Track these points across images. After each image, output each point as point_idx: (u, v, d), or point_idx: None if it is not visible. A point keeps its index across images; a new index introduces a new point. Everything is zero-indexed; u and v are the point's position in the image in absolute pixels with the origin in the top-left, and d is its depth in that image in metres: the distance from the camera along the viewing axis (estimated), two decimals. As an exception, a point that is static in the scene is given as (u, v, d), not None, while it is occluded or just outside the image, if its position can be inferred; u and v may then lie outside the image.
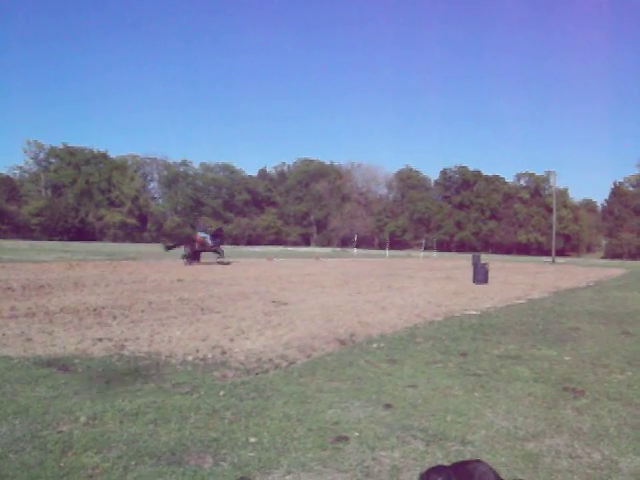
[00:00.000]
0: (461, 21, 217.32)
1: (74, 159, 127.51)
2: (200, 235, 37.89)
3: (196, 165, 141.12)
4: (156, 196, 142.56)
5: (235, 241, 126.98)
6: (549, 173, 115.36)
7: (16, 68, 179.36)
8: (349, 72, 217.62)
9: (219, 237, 39.78)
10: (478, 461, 4.79)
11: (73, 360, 8.51)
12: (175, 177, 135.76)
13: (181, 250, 37.56)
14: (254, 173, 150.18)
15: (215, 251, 38.28)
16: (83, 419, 5.86)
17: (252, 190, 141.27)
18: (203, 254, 38.39)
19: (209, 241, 37.71)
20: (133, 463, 4.85)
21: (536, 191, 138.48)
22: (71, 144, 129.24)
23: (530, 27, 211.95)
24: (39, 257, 37.97)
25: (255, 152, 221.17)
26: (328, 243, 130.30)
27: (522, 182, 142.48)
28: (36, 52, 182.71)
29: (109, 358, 8.75)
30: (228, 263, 37.48)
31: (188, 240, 38.43)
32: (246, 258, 49.23)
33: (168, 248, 40.17)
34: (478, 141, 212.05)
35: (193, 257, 36.47)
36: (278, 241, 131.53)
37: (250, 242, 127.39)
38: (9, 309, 13.33)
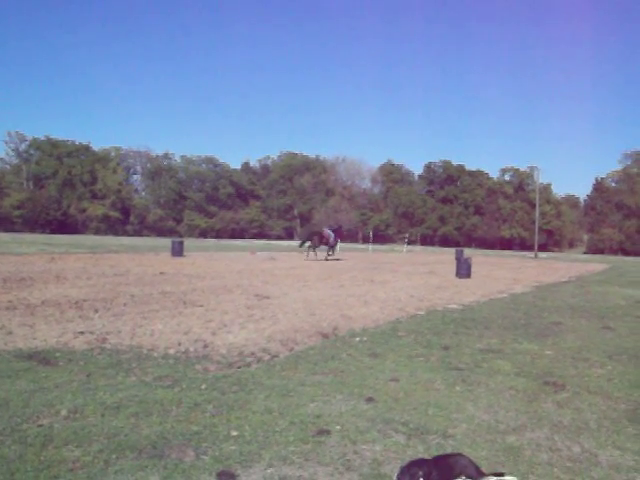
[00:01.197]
0: (445, 15, 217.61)
1: (56, 151, 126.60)
2: (327, 232, 41.38)
3: (179, 158, 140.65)
4: (139, 189, 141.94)
5: (218, 234, 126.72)
6: (533, 168, 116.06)
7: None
8: (333, 66, 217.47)
9: (339, 235, 43.92)
10: (459, 454, 4.81)
11: (54, 353, 8.47)
12: (158, 170, 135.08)
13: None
14: (238, 166, 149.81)
15: (332, 247, 41.62)
16: (64, 412, 5.83)
17: (236, 183, 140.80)
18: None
19: (332, 239, 41.19)
20: (114, 457, 4.83)
21: (520, 186, 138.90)
22: (53, 136, 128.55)
23: (514, 21, 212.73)
24: (20, 250, 37.71)
25: (239, 145, 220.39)
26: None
27: (506, 177, 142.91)
28: (18, 44, 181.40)
29: (90, 351, 8.72)
30: (338, 259, 40.40)
31: (316, 235, 41.13)
32: (229, 252, 49.12)
33: (302, 243, 43.33)
34: (462, 136, 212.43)
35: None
36: (261, 235, 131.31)
37: (233, 235, 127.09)
38: (-10, 302, 13.24)
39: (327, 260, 38.95)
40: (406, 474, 4.31)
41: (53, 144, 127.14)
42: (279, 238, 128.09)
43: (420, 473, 4.31)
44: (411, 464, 4.44)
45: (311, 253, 39.99)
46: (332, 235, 41.14)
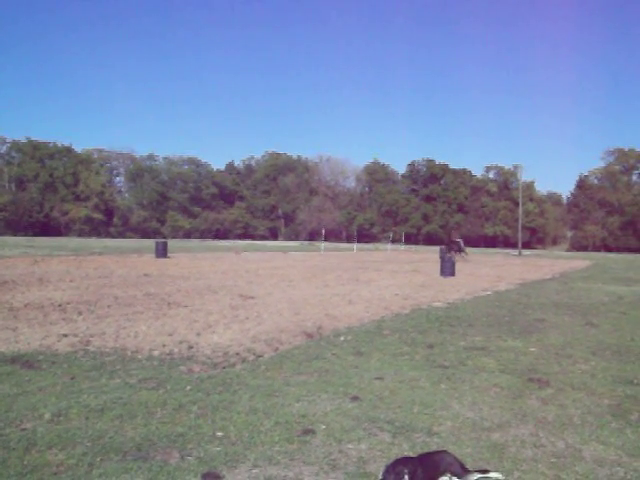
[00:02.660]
0: (428, 15, 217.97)
1: (38, 153, 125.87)
2: (458, 239, 52.69)
3: (162, 159, 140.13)
4: (122, 190, 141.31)
5: (203, 235, 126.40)
6: (516, 167, 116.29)
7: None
8: (317, 67, 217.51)
9: (464, 242, 53.23)
10: (444, 452, 4.83)
11: (37, 356, 8.43)
12: (140, 171, 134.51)
13: None
14: (223, 167, 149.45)
15: (463, 251, 48.60)
16: (47, 416, 5.80)
17: (219, 184, 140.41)
18: None
19: (462, 244, 49.89)
20: (98, 459, 4.81)
21: (504, 184, 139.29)
22: (35, 138, 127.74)
23: (498, 20, 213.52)
24: (3, 252, 37.50)
25: (223, 146, 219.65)
26: (296, 237, 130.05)
27: (490, 175, 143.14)
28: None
29: (74, 354, 8.68)
30: (469, 260, 45.51)
31: (454, 243, 50.47)
32: (213, 252, 49.03)
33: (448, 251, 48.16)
34: (446, 135, 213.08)
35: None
36: (246, 235, 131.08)
37: (218, 236, 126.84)
38: (-28, 305, 13.15)
39: (467, 261, 44.42)
40: (391, 473, 4.32)
41: (34, 146, 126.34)
42: (263, 238, 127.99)
43: (405, 471, 4.32)
44: (396, 462, 4.45)
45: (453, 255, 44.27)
46: (461, 241, 51.03)
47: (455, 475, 4.61)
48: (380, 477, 4.38)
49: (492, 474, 4.72)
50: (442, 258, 29.80)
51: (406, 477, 4.31)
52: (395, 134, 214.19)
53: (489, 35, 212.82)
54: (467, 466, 4.73)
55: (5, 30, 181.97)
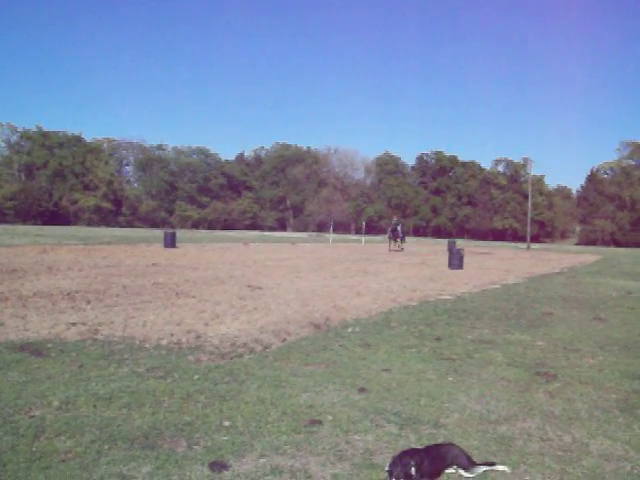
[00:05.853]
0: (438, 5, 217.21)
1: (47, 142, 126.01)
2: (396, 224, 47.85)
3: (171, 149, 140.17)
4: (131, 180, 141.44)
5: (211, 226, 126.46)
6: (526, 160, 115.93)
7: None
8: (327, 57, 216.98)
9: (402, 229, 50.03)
10: (451, 444, 4.84)
11: (46, 345, 8.47)
12: (150, 161, 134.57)
13: None
14: (232, 158, 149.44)
15: (399, 238, 46.86)
16: (56, 403, 5.83)
17: (228, 174, 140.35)
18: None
19: (399, 230, 46.80)
20: (106, 447, 4.84)
21: (513, 177, 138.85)
22: (45, 127, 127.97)
23: (507, 12, 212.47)
24: (12, 241, 37.58)
25: (233, 137, 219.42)
26: (304, 228, 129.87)
27: (499, 168, 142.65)
28: (8, 36, 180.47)
29: (83, 342, 8.72)
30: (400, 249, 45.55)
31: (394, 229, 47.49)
32: (222, 243, 49.08)
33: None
34: (456, 127, 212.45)
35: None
36: (254, 226, 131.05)
37: (226, 227, 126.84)
38: (-19, 293, 13.22)
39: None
40: (398, 464, 4.33)
41: (44, 135, 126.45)
42: (272, 229, 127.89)
43: (412, 463, 4.33)
44: (403, 454, 4.46)
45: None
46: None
47: (462, 467, 4.62)
48: (386, 468, 4.39)
49: (499, 467, 4.73)
50: (450, 251, 29.74)
51: (413, 469, 4.32)
52: (405, 126, 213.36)
53: (499, 27, 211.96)
54: (474, 459, 4.74)
55: (16, 20, 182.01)
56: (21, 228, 72.07)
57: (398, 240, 45.91)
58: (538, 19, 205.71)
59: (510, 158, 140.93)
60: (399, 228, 46.39)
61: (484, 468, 4.67)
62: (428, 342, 9.68)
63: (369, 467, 4.69)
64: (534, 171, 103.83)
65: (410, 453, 4.48)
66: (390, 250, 44.08)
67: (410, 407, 6.17)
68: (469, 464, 4.63)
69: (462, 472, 4.61)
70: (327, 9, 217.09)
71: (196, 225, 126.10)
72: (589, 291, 19.20)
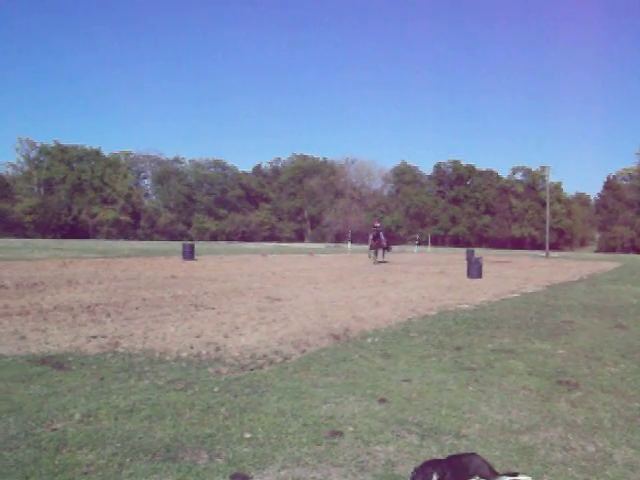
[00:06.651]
0: (455, 16, 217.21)
1: (66, 156, 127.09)
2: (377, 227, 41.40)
3: (188, 162, 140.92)
4: (149, 193, 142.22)
5: (229, 237, 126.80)
6: (543, 168, 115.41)
7: (8, 67, 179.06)
8: (344, 68, 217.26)
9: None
10: (473, 454, 4.80)
11: (67, 358, 8.51)
12: (167, 174, 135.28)
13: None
14: (249, 170, 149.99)
15: (384, 247, 41.69)
16: (77, 416, 5.85)
17: (245, 186, 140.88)
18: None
19: (382, 238, 40.59)
20: (128, 460, 4.85)
21: (531, 185, 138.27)
22: (63, 142, 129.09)
23: (523, 20, 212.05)
24: (32, 255, 37.86)
25: (250, 149, 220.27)
26: (322, 239, 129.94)
27: (517, 176, 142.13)
28: (28, 51, 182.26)
29: (103, 355, 8.75)
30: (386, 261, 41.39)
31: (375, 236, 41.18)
32: (240, 254, 49.20)
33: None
34: (473, 136, 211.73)
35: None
36: (272, 237, 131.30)
37: (244, 238, 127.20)
38: (2, 307, 13.31)
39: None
40: (420, 475, 4.31)
41: (63, 150, 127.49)
42: (290, 240, 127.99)
43: (434, 474, 4.31)
44: (425, 465, 4.44)
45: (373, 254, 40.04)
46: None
47: (484, 478, 4.57)
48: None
49: (521, 477, 4.67)
50: (469, 260, 29.64)
51: (435, 479, 4.30)
52: (421, 135, 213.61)
53: (515, 35, 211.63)
54: (496, 469, 4.70)
55: (32, 35, 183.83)
56: (41, 242, 72.63)
57: (381, 250, 40.15)
58: (554, 26, 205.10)
59: (528, 166, 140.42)
60: (382, 235, 40.12)
61: (507, 479, 4.62)
62: (448, 352, 9.64)
63: (390, 478, 4.67)
64: (552, 178, 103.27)
65: (432, 464, 4.45)
66: (374, 262, 38.27)
67: (431, 417, 6.15)
68: (491, 475, 4.59)
69: (485, 483, 4.57)
70: (344, 19, 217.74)
71: (214, 237, 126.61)
72: (610, 299, 19.07)
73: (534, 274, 31.79)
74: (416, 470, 4.40)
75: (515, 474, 4.66)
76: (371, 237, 39.81)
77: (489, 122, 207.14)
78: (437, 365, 8.68)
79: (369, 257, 39.60)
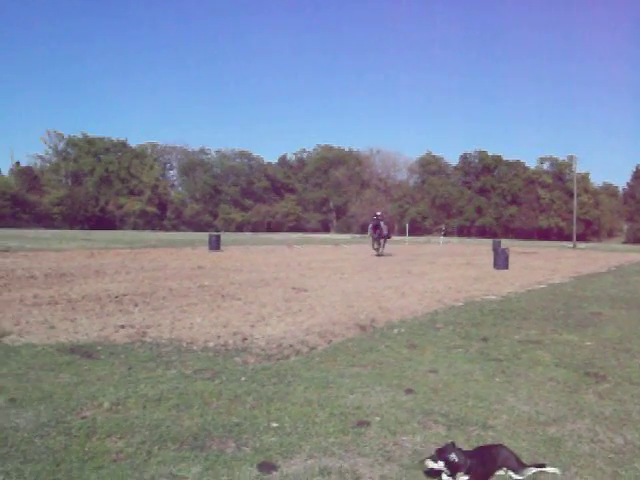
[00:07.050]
0: (479, 4, 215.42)
1: (93, 148, 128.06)
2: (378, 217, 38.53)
3: (214, 152, 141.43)
4: (175, 184, 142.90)
5: (255, 228, 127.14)
6: (571, 158, 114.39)
7: (35, 60, 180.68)
8: (368, 58, 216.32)
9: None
10: (500, 446, 4.80)
11: (96, 347, 8.60)
12: (193, 165, 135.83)
13: None
14: (275, 160, 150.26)
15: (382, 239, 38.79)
16: (106, 405, 5.92)
17: (271, 177, 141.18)
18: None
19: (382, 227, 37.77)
20: (156, 448, 4.89)
21: (558, 176, 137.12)
22: (91, 134, 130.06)
23: (549, 7, 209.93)
24: (60, 246, 38.20)
25: (275, 140, 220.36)
26: (348, 229, 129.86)
27: (545, 166, 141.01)
28: (54, 44, 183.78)
29: (131, 345, 8.84)
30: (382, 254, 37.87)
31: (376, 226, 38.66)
32: (266, 245, 49.32)
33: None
34: (500, 126, 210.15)
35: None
36: (297, 228, 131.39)
37: (269, 229, 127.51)
38: (32, 297, 13.46)
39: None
40: (439, 454, 4.39)
41: (90, 141, 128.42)
42: (315, 231, 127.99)
43: (453, 453, 4.37)
44: (446, 447, 4.49)
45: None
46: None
47: (511, 469, 4.58)
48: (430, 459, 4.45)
49: (549, 469, 4.67)
50: (495, 250, 29.48)
51: (453, 455, 4.36)
52: (447, 125, 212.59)
53: (541, 22, 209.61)
54: (523, 460, 4.70)
55: (58, 29, 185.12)
56: (69, 233, 73.26)
57: (382, 240, 37.39)
58: (581, 13, 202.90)
59: (555, 156, 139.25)
60: (382, 224, 37.41)
61: (534, 470, 4.62)
62: (475, 343, 9.62)
63: (417, 468, 4.67)
64: (579, 169, 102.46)
65: (452, 446, 4.50)
66: (378, 254, 36.23)
67: (458, 408, 6.14)
68: (519, 466, 4.59)
69: (512, 474, 4.57)
70: (368, 7, 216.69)
71: (240, 228, 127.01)
72: (638, 290, 18.91)
73: (561, 265, 31.60)
74: (437, 451, 4.47)
75: (542, 465, 4.67)
76: (371, 227, 37.88)
77: (516, 112, 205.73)
78: (464, 356, 8.66)
79: (372, 248, 37.33)
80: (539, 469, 4.64)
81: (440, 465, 4.44)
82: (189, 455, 4.77)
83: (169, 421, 5.52)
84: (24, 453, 4.74)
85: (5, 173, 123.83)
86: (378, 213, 38.75)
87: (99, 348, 8.53)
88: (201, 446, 4.96)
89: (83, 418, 5.54)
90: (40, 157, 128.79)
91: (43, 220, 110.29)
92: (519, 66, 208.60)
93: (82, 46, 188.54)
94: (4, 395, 6.18)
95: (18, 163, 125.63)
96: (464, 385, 7.03)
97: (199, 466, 4.58)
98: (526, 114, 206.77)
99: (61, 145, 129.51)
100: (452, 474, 4.40)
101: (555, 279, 22.09)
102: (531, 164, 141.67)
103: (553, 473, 4.63)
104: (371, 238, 37.98)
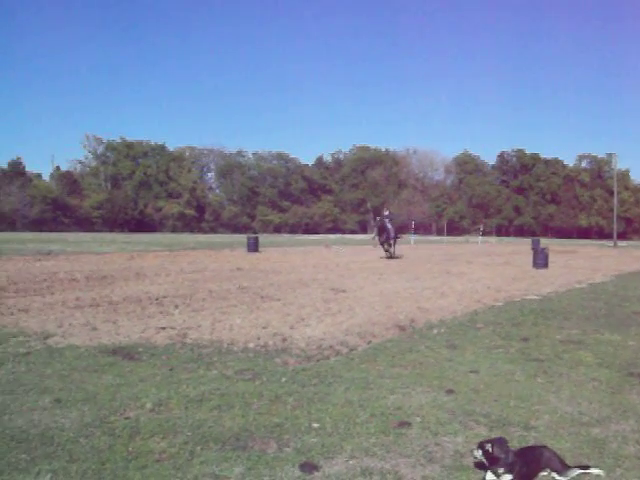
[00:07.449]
0: (516, 3, 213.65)
1: (132, 152, 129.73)
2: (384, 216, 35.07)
3: (251, 155, 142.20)
4: (213, 186, 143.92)
5: (292, 230, 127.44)
6: (610, 155, 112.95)
7: (74, 66, 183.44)
8: (404, 58, 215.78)
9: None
10: (543, 446, 4.76)
11: (137, 348, 8.69)
12: (231, 167, 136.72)
13: None
14: (311, 162, 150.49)
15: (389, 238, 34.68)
16: (149, 405, 5.98)
17: (308, 178, 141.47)
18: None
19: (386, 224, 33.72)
20: (199, 448, 4.93)
21: (597, 173, 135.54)
22: (129, 138, 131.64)
23: (584, 8, 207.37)
24: (101, 249, 38.71)
25: (312, 141, 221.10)
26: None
27: (583, 164, 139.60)
28: (93, 50, 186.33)
29: (172, 346, 8.91)
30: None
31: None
32: (303, 246, 49.41)
33: None
34: (536, 124, 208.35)
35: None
36: (335, 229, 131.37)
37: (307, 230, 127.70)
38: (74, 299, 13.65)
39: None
40: (479, 448, 4.41)
41: (128, 145, 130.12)
42: (353, 232, 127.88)
43: (494, 446, 4.37)
44: (490, 440, 4.49)
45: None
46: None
47: (555, 470, 4.54)
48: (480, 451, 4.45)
49: (593, 470, 4.62)
50: (535, 250, 29.18)
51: (491, 447, 4.36)
52: (484, 124, 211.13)
53: (579, 18, 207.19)
54: (567, 462, 4.65)
55: (98, 33, 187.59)
56: (108, 236, 74.19)
57: (390, 242, 32.91)
58: (618, 11, 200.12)
59: (593, 154, 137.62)
60: (390, 225, 32.89)
61: (578, 471, 4.57)
62: (515, 343, 9.54)
63: (459, 469, 4.65)
64: (619, 166, 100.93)
65: (494, 440, 4.51)
66: (387, 256, 32.59)
67: (499, 409, 6.10)
68: (562, 467, 4.55)
69: (555, 475, 4.52)
70: (401, 8, 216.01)
71: (278, 229, 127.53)
72: (682, 289, 18.60)
73: (602, 264, 31.20)
74: (479, 444, 4.47)
75: (586, 467, 4.62)
76: (376, 228, 34.33)
77: (553, 110, 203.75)
78: (504, 356, 8.60)
79: (385, 252, 33.01)
80: (583, 471, 4.59)
81: (479, 454, 4.45)
82: (231, 455, 4.80)
83: (211, 421, 5.56)
84: (70, 452, 4.81)
85: (46, 178, 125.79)
86: (386, 212, 34.95)
87: (140, 349, 8.62)
88: (243, 446, 4.99)
89: (126, 418, 5.61)
90: (80, 161, 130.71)
91: (83, 223, 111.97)
92: (556, 63, 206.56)
93: (120, 51, 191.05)
94: (49, 395, 6.28)
95: (58, 168, 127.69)
96: (505, 385, 6.98)
97: (241, 466, 4.61)
98: (564, 111, 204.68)
99: (100, 149, 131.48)
100: (490, 465, 4.39)
101: (596, 278, 21.82)
102: (569, 162, 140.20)
103: (597, 475, 4.57)
104: (377, 241, 33.95)
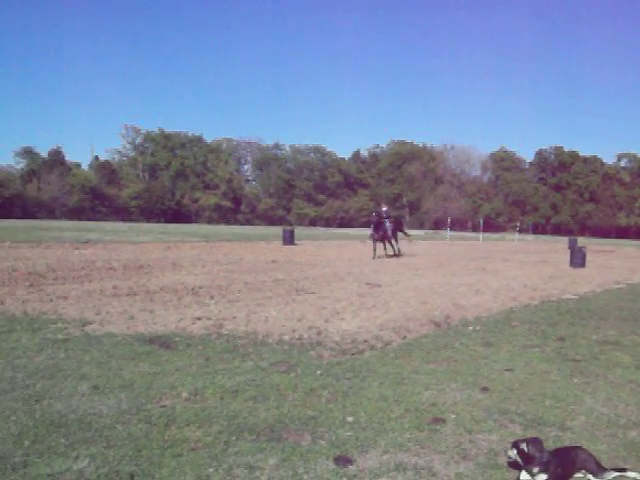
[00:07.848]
0: (558, 2, 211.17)
1: (170, 143, 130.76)
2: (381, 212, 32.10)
3: (288, 148, 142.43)
4: (250, 179, 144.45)
5: (327, 223, 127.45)
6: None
7: (113, 58, 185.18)
8: (443, 54, 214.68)
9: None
10: (579, 448, 4.72)
11: (174, 338, 8.77)
12: (267, 160, 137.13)
13: None
14: (348, 156, 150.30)
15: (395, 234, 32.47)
16: (185, 394, 6.04)
17: (344, 172, 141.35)
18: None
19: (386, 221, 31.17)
20: (234, 438, 4.97)
21: (637, 172, 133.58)
22: (167, 129, 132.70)
23: (627, 7, 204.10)
24: (138, 238, 39.07)
25: (349, 135, 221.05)
26: (421, 225, 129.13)
27: (623, 162, 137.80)
28: (132, 42, 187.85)
29: (208, 336, 8.98)
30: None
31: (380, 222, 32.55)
32: (339, 240, 49.40)
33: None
34: (576, 121, 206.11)
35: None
36: (370, 223, 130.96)
37: (342, 224, 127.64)
38: (112, 288, 13.81)
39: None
40: (514, 446, 4.41)
41: (166, 136, 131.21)
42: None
43: (528, 445, 4.37)
44: (525, 439, 4.49)
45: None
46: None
47: (591, 472, 4.50)
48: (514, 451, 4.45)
49: (630, 473, 4.56)
50: (572, 249, 28.87)
51: (525, 447, 4.35)
52: (522, 121, 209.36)
53: (615, 16, 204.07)
54: (603, 464, 4.61)
55: (135, 26, 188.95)
56: (145, 226, 74.85)
57: (393, 241, 30.61)
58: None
59: (633, 152, 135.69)
60: (387, 224, 30.54)
61: (614, 474, 4.52)
62: (551, 342, 9.46)
63: (493, 467, 4.63)
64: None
65: (529, 439, 4.50)
66: (393, 254, 30.16)
67: (534, 408, 6.06)
68: (598, 469, 4.51)
69: (591, 477, 4.48)
70: (445, 5, 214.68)
71: (313, 223, 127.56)
72: None
73: (641, 265, 30.76)
74: (513, 443, 4.48)
75: (623, 470, 4.57)
76: (372, 225, 30.79)
77: (593, 106, 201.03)
78: (540, 355, 8.53)
79: (373, 250, 29.57)
80: (619, 474, 4.54)
81: (514, 454, 4.44)
82: (266, 446, 4.83)
83: (246, 412, 5.60)
84: (107, 438, 4.88)
85: (85, 167, 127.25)
86: (384, 208, 32.27)
87: (177, 339, 8.70)
88: (277, 438, 5.02)
89: (162, 407, 5.67)
90: (118, 152, 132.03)
91: (121, 213, 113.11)
92: (594, 60, 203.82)
93: (159, 43, 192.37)
94: (87, 382, 6.38)
95: (97, 157, 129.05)
96: (541, 385, 6.93)
97: (276, 457, 4.64)
98: (603, 108, 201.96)
99: (138, 140, 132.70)
100: (525, 465, 4.38)
101: (634, 279, 21.52)
102: (608, 160, 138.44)
103: (634, 478, 4.52)
104: (371, 240, 30.51)
